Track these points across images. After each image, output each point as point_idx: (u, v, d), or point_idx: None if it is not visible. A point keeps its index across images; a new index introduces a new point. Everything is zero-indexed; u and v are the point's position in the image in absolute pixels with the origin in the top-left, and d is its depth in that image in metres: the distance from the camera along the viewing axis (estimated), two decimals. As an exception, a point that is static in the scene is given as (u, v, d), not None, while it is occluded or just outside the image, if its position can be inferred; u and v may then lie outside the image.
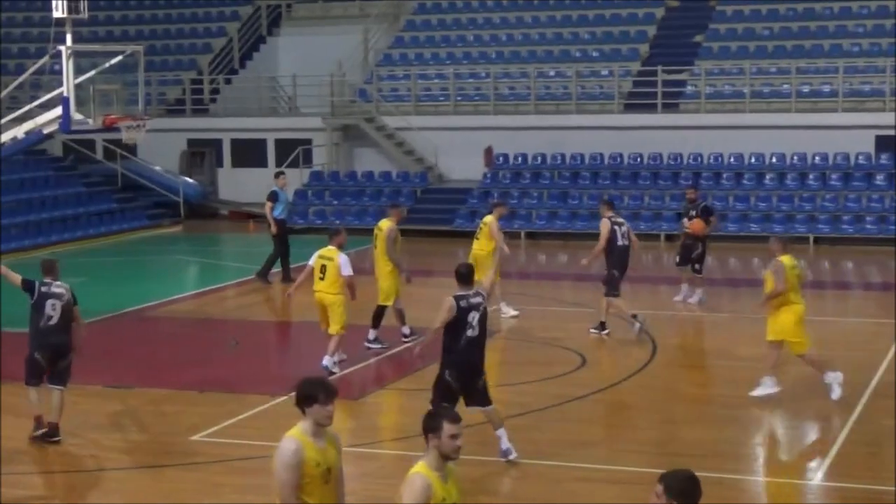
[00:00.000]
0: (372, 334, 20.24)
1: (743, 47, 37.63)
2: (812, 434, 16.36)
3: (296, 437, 8.61)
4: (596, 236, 32.81)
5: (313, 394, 8.62)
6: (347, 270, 18.44)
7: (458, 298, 14.03)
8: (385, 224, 20.75)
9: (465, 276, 14.30)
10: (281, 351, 21.66)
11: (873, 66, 35.29)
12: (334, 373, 18.66)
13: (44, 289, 15.73)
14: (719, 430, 16.06)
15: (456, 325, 13.98)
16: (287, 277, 26.64)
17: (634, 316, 21.16)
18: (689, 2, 40.21)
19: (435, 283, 23.88)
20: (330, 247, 18.66)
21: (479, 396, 14.28)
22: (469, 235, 34.16)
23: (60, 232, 34.31)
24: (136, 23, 45.69)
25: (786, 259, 17.08)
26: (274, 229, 26.80)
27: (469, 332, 13.99)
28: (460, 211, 34.95)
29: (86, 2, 21.12)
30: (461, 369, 14.13)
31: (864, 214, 32.22)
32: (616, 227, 21.48)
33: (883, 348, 19.43)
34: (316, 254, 18.75)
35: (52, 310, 15.63)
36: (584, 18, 40.54)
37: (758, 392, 17.00)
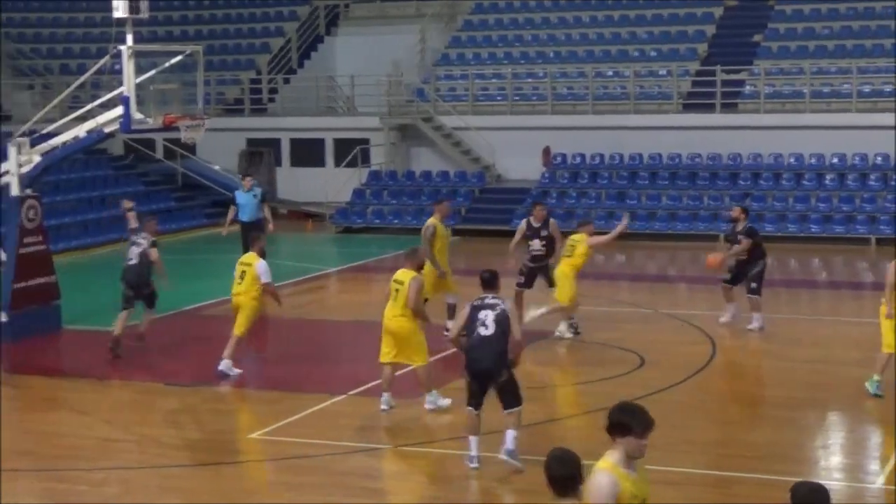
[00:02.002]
0: None
1: (802, 47, 37.36)
2: (873, 437, 16.20)
3: (609, 470, 8.02)
4: (653, 237, 32.84)
5: (629, 424, 8.03)
6: (266, 278, 18.95)
7: (474, 301, 14.38)
8: (429, 220, 21.25)
9: (488, 280, 14.62)
10: (338, 351, 21.71)
11: (935, 66, 34.93)
12: (229, 376, 18.90)
13: (132, 237, 21.05)
14: (777, 431, 15.94)
15: (469, 324, 14.24)
16: None
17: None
18: (748, 1, 39.97)
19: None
20: (250, 253, 19.50)
21: (503, 397, 14.32)
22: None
23: (120, 230, 34.44)
24: (196, 23, 45.99)
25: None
26: (224, 231, 26.82)
27: (482, 331, 14.10)
28: (518, 211, 34.86)
29: (146, 2, 21.25)
30: (473, 367, 14.26)
31: (925, 215, 31.89)
32: None
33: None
34: (238, 261, 19.53)
35: (131, 254, 20.79)
36: (643, 18, 40.39)
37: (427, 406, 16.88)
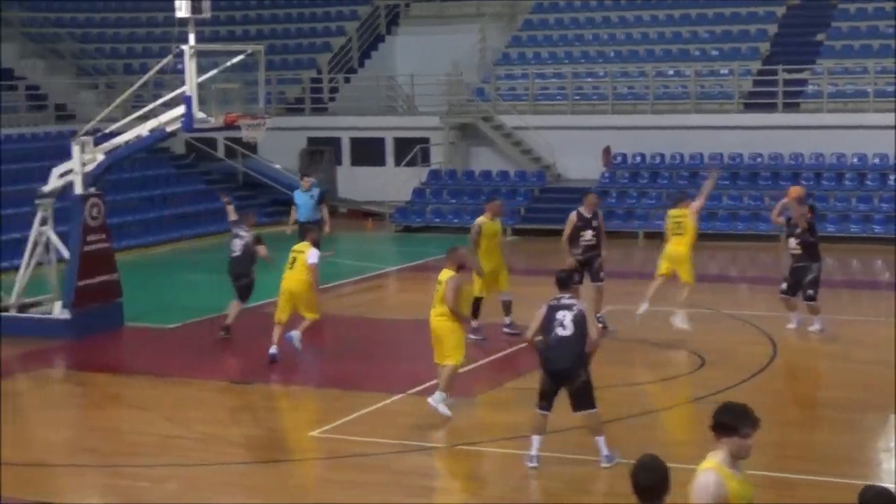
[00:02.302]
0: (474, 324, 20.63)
1: (866, 45, 37.01)
2: (935, 439, 16.04)
3: (715, 469, 7.94)
4: (713, 237, 32.64)
5: (734, 425, 7.96)
6: (313, 260, 19.87)
7: (550, 301, 14.37)
8: (478, 219, 21.61)
9: (563, 281, 14.69)
10: (396, 349, 21.77)
11: None
12: (297, 348, 19.66)
13: (234, 230, 22.07)
14: (838, 433, 15.83)
15: (546, 324, 14.21)
16: None
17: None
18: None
19: (550, 282, 23.78)
20: (304, 242, 20.15)
21: (576, 399, 14.28)
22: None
23: (181, 229, 34.81)
24: (257, 22, 46.23)
25: None
26: (288, 230, 26.39)
27: (560, 331, 14.10)
28: (577, 210, 34.79)
29: (208, 2, 21.38)
30: (551, 367, 14.24)
31: None
32: None
33: None
34: (291, 249, 20.30)
35: (234, 246, 21.77)
36: (703, 17, 40.19)
37: None
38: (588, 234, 21.36)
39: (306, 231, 21.07)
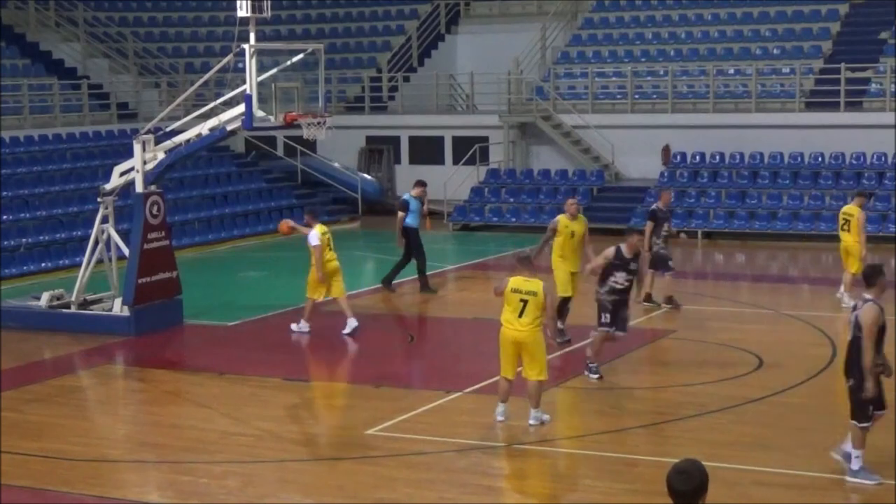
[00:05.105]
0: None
1: (930, 44, 36.67)
2: None
3: None
4: (774, 237, 32.40)
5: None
6: (312, 242, 21.70)
7: (858, 300, 13.76)
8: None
9: (869, 276, 13.80)
10: (455, 347, 21.78)
11: None
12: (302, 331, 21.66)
13: None
14: (900, 436, 15.65)
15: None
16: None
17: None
18: (875, -2, 39.38)
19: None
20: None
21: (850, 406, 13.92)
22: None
23: (242, 227, 35.00)
24: (317, 21, 46.41)
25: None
26: (399, 243, 26.11)
27: (855, 332, 13.58)
28: (637, 210, 34.70)
29: (269, 1, 21.47)
30: None
31: None
32: None
33: None
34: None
35: None
36: (766, 15, 39.94)
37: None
38: (621, 277, 18.41)
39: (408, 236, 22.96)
